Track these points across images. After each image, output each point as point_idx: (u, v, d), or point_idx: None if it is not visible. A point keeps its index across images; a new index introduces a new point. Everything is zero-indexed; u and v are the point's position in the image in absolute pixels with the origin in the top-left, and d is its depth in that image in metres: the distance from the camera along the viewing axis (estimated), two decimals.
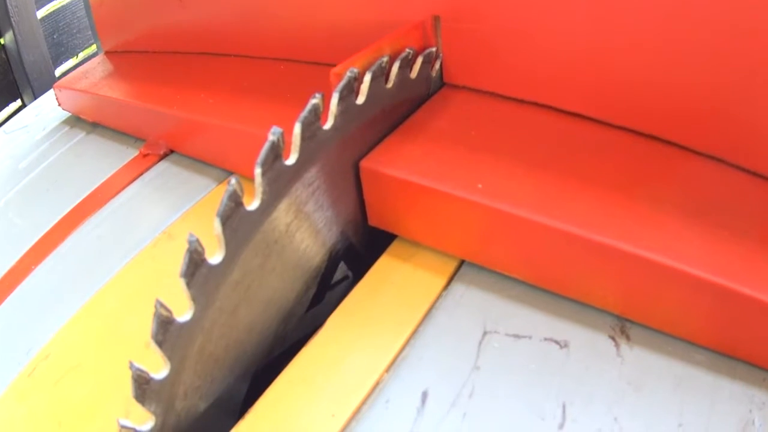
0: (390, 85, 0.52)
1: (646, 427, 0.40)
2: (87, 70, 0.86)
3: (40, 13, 1.65)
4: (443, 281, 0.50)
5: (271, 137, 0.40)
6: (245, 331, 0.45)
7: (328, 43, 0.67)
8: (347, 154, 0.50)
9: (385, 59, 0.50)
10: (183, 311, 0.38)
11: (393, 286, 0.50)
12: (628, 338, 0.45)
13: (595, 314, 0.46)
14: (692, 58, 0.47)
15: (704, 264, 0.40)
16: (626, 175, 0.48)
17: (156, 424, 0.38)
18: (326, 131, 0.46)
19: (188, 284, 0.37)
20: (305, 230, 0.47)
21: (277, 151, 0.41)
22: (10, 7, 1.52)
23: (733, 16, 0.43)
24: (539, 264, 0.47)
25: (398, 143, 0.53)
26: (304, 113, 0.43)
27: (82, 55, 1.81)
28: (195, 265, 0.37)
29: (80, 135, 0.83)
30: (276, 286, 0.46)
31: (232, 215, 0.39)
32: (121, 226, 0.66)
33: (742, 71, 0.45)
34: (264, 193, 0.41)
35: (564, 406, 0.41)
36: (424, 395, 0.43)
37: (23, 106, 1.63)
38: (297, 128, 0.43)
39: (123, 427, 0.36)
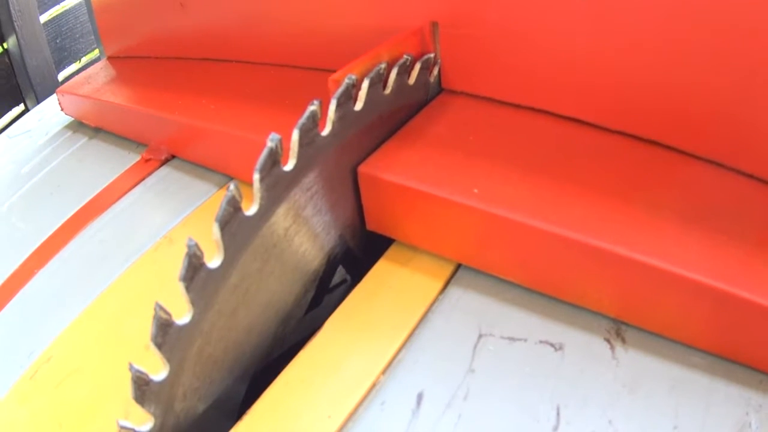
0: (388, 91, 0.52)
1: (641, 429, 0.40)
2: (90, 75, 0.86)
3: (43, 18, 1.65)
4: (440, 285, 0.51)
5: (269, 144, 0.41)
6: (244, 333, 0.45)
7: (328, 49, 0.67)
8: (345, 159, 0.50)
9: (383, 66, 0.50)
10: (182, 314, 0.38)
11: (390, 289, 0.51)
12: (623, 341, 0.45)
13: (590, 317, 0.47)
14: (689, 62, 0.47)
15: (702, 268, 0.40)
16: (623, 180, 0.48)
17: (155, 425, 0.38)
18: (324, 137, 0.46)
19: (187, 288, 0.37)
20: (304, 234, 0.48)
21: (275, 157, 0.41)
22: (13, 11, 1.53)
23: (730, 19, 0.44)
24: (535, 268, 0.47)
25: (396, 149, 0.53)
26: (302, 120, 0.44)
27: (84, 60, 1.81)
28: (194, 269, 0.37)
29: (83, 140, 0.84)
30: (274, 290, 0.47)
31: (231, 220, 0.39)
32: (123, 230, 0.66)
33: (739, 75, 0.45)
34: (262, 198, 0.42)
35: (558, 409, 0.42)
36: (420, 397, 0.43)
37: (26, 110, 1.63)
38: (295, 135, 0.43)
39: (122, 428, 0.37)
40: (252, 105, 0.68)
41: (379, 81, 0.50)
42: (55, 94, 0.88)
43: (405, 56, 0.54)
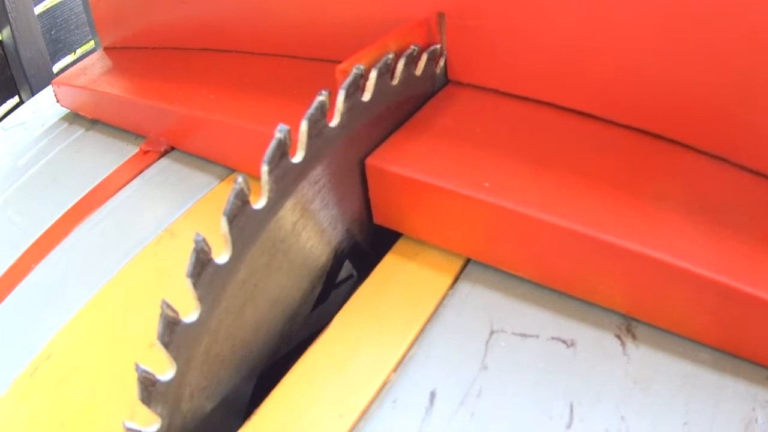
0: (395, 82, 0.51)
1: (653, 425, 0.40)
2: (85, 67, 0.85)
3: (38, 9, 1.65)
4: (449, 280, 0.50)
5: (277, 135, 0.40)
6: (251, 330, 0.44)
7: (332, 39, 0.67)
8: (353, 151, 0.50)
9: (390, 56, 0.50)
10: (188, 311, 0.37)
11: (399, 284, 0.50)
12: (634, 337, 0.45)
13: (601, 313, 0.46)
14: (695, 57, 0.47)
15: (708, 263, 0.41)
16: (631, 174, 0.48)
17: (162, 426, 0.38)
18: (332, 129, 0.45)
19: (195, 284, 0.37)
20: (311, 229, 0.47)
21: (283, 149, 0.41)
22: (7, 3, 1.52)
23: (734, 14, 0.44)
24: (546, 262, 0.47)
25: (403, 140, 0.53)
26: (311, 110, 0.43)
27: (80, 52, 1.81)
28: (202, 264, 0.37)
29: (79, 132, 0.83)
30: (282, 285, 0.46)
31: (239, 214, 0.39)
32: (122, 223, 0.66)
33: (744, 69, 0.45)
34: (271, 191, 0.41)
35: (572, 406, 0.41)
36: (432, 395, 0.43)
37: (21, 102, 1.63)
38: (304, 126, 0.43)
39: (128, 429, 0.36)
40: (253, 95, 0.67)
41: (387, 71, 0.50)
42: (50, 86, 0.87)
43: (412, 47, 0.53)
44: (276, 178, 0.41)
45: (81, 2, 1.76)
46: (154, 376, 0.36)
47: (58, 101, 0.87)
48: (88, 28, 1.80)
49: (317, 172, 0.46)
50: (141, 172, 0.72)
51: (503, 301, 0.48)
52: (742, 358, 0.42)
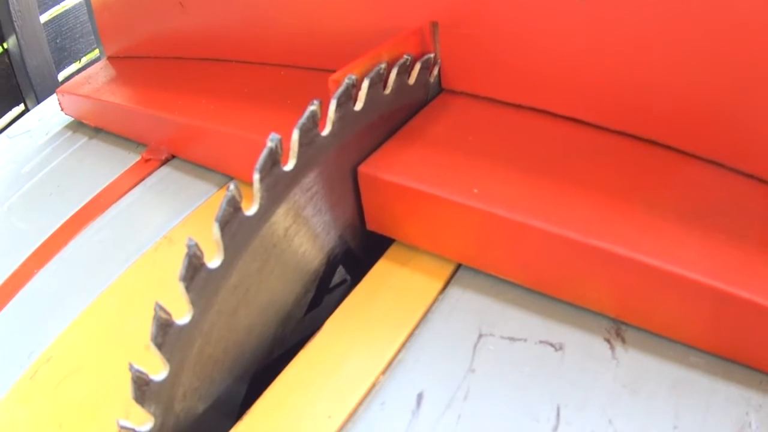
0: (388, 91, 0.52)
1: (641, 429, 0.40)
2: (90, 76, 0.86)
3: (43, 18, 1.65)
4: (440, 285, 0.51)
5: (269, 144, 0.41)
6: (244, 333, 0.45)
7: (328, 49, 0.68)
8: (345, 159, 0.50)
9: (383, 66, 0.51)
10: (182, 314, 0.38)
11: (390, 289, 0.51)
12: (623, 341, 0.45)
13: (590, 317, 0.47)
14: (689, 63, 0.47)
15: (702, 268, 0.41)
16: (624, 180, 0.48)
17: (155, 425, 0.38)
18: (324, 137, 0.46)
19: (187, 288, 0.37)
20: (304, 234, 0.48)
21: (275, 157, 0.42)
22: (13, 11, 1.52)
23: (729, 20, 0.44)
24: (535, 268, 0.47)
25: (396, 149, 0.53)
26: (302, 120, 0.44)
27: (84, 60, 1.81)
28: (194, 269, 0.37)
29: (83, 140, 0.84)
30: (275, 290, 0.47)
31: (231, 220, 0.39)
32: (123, 230, 0.66)
33: (739, 75, 0.45)
34: (262, 198, 0.42)
35: (558, 409, 0.42)
36: (420, 397, 0.43)
37: (26, 110, 1.63)
38: (295, 135, 0.43)
39: (122, 427, 0.37)
40: (252, 105, 0.68)
41: (379, 81, 0.51)
42: (55, 94, 0.88)
43: (405, 56, 0.54)
44: (268, 185, 0.42)
45: (86, 11, 1.76)
46: (147, 375, 0.37)
47: (62, 109, 0.88)
48: (93, 37, 1.80)
49: (309, 180, 0.46)
50: (142, 180, 0.73)
51: (493, 305, 0.49)
52: (735, 362, 0.43)
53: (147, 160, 0.75)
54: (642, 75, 0.49)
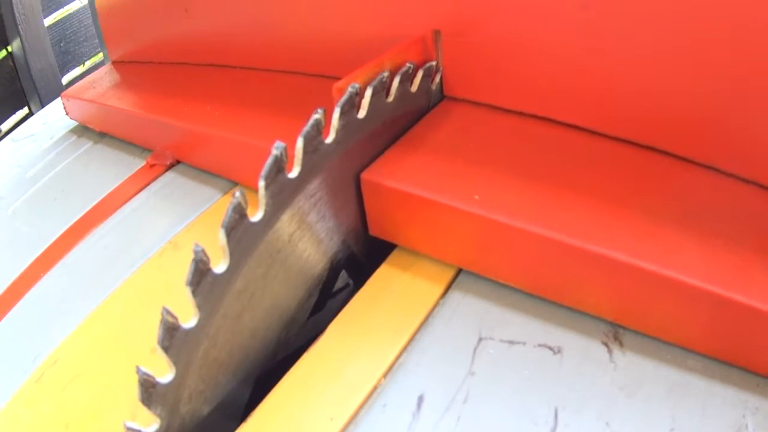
0: (391, 99, 0.52)
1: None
2: (94, 80, 0.86)
3: (47, 21, 1.65)
4: (441, 289, 0.51)
5: (274, 151, 0.41)
6: (248, 337, 0.46)
7: (332, 56, 0.68)
8: (349, 166, 0.51)
9: (385, 74, 0.51)
10: (188, 318, 0.39)
11: (392, 294, 0.51)
12: (621, 344, 0.45)
13: (588, 321, 0.47)
14: (687, 69, 0.47)
15: (699, 273, 0.41)
16: (622, 185, 0.48)
17: (161, 427, 0.39)
18: (328, 145, 0.47)
19: (194, 292, 0.38)
20: (307, 240, 0.48)
21: (280, 165, 0.42)
22: (17, 15, 1.52)
23: (727, 27, 0.44)
24: (534, 273, 0.48)
25: (398, 156, 0.53)
26: (307, 128, 0.44)
27: (89, 64, 1.81)
28: (200, 273, 0.38)
29: (87, 144, 0.84)
30: (279, 294, 0.47)
31: (237, 226, 0.40)
32: (128, 235, 0.67)
33: (736, 81, 0.45)
34: (267, 205, 0.42)
35: (556, 411, 0.42)
36: (420, 399, 0.44)
37: (30, 114, 1.63)
38: (299, 143, 0.44)
39: (129, 429, 0.37)
40: (256, 111, 0.68)
41: (382, 89, 0.51)
42: (59, 98, 0.88)
43: (407, 64, 0.54)
44: (273, 192, 0.42)
45: (90, 14, 1.76)
46: (154, 378, 0.37)
47: (67, 114, 0.88)
48: (97, 40, 1.80)
49: (314, 186, 0.47)
50: (147, 185, 0.73)
51: (492, 309, 0.49)
52: (732, 365, 0.43)
53: (152, 165, 0.75)
54: (640, 82, 0.50)
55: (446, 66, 0.60)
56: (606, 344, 0.46)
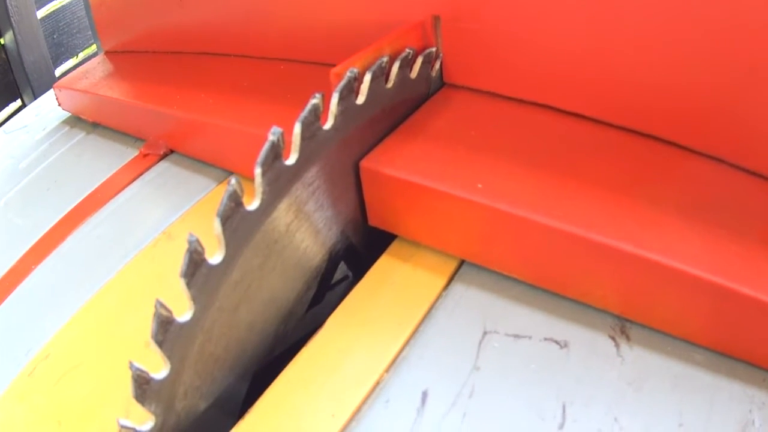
0: (390, 85, 0.52)
1: (646, 427, 0.40)
2: (87, 70, 0.86)
3: (40, 13, 1.65)
4: (443, 281, 0.50)
5: (270, 137, 0.40)
6: (245, 330, 0.45)
7: (328, 43, 0.67)
8: (347, 154, 0.50)
9: (385, 59, 0.50)
10: (183, 311, 0.38)
11: (393, 286, 0.50)
12: (628, 338, 0.45)
13: (594, 314, 0.47)
14: (691, 58, 0.47)
15: (703, 264, 0.40)
16: (626, 175, 0.48)
17: (156, 424, 0.38)
18: (326, 131, 0.46)
19: (188, 284, 0.37)
20: (305, 230, 0.47)
21: (277, 151, 0.41)
22: (10, 6, 1.53)
23: (732, 15, 0.44)
24: (539, 264, 0.47)
25: (398, 143, 0.53)
26: (304, 113, 0.43)
27: (82, 55, 1.82)
28: (195, 265, 0.37)
29: (80, 135, 0.84)
30: (276, 286, 0.47)
31: (232, 215, 0.39)
32: (121, 226, 0.66)
33: (741, 71, 0.45)
34: (264, 193, 0.41)
35: (564, 406, 0.42)
36: (424, 395, 0.43)
37: (23, 106, 1.64)
38: (297, 128, 0.43)
39: (123, 427, 0.37)
40: (251, 99, 0.67)
41: (381, 74, 0.50)
42: (52, 90, 0.88)
43: (407, 50, 0.54)
44: (269, 180, 0.41)
45: (83, 6, 1.76)
46: (148, 374, 0.36)
47: (59, 105, 0.88)
48: (90, 33, 1.80)
49: (311, 174, 0.46)
50: (140, 175, 0.73)
51: (497, 302, 0.48)
52: (739, 359, 0.42)
53: (145, 155, 0.75)
54: (644, 71, 0.49)
55: (446, 52, 0.59)
56: (613, 338, 0.45)
